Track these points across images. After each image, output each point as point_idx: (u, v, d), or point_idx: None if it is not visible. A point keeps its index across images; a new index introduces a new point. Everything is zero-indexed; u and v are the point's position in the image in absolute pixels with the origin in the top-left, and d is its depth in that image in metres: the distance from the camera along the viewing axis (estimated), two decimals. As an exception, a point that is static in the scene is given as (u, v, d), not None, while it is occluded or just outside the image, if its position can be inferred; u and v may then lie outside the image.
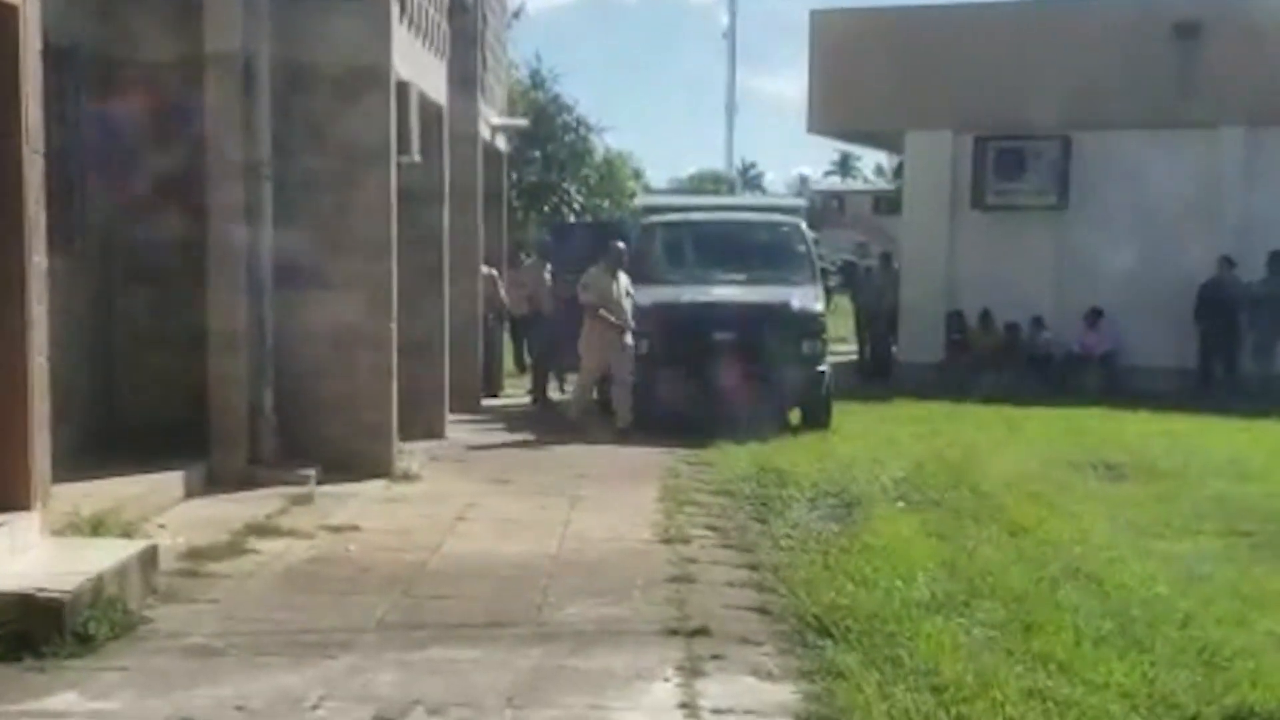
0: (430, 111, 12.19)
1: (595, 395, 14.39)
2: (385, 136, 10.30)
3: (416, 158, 11.08)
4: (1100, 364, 18.93)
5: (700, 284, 14.48)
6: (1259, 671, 5.55)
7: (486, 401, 15.99)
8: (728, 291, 14.17)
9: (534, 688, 5.37)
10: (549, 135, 33.55)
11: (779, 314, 13.81)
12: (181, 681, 5.32)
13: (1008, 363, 19.06)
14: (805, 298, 14.15)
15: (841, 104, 20.82)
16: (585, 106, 38.06)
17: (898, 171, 35.95)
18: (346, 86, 10.14)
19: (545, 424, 14.54)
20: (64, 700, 5.06)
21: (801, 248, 15.29)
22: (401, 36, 10.78)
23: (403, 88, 10.61)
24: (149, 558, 6.52)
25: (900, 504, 9.71)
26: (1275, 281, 18.22)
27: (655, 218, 16.60)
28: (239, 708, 5.02)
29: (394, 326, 10.51)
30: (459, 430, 13.39)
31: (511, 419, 15.11)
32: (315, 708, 5.06)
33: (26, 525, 6.25)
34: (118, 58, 9.85)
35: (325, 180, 10.17)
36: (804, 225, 16.00)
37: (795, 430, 13.63)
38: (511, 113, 20.78)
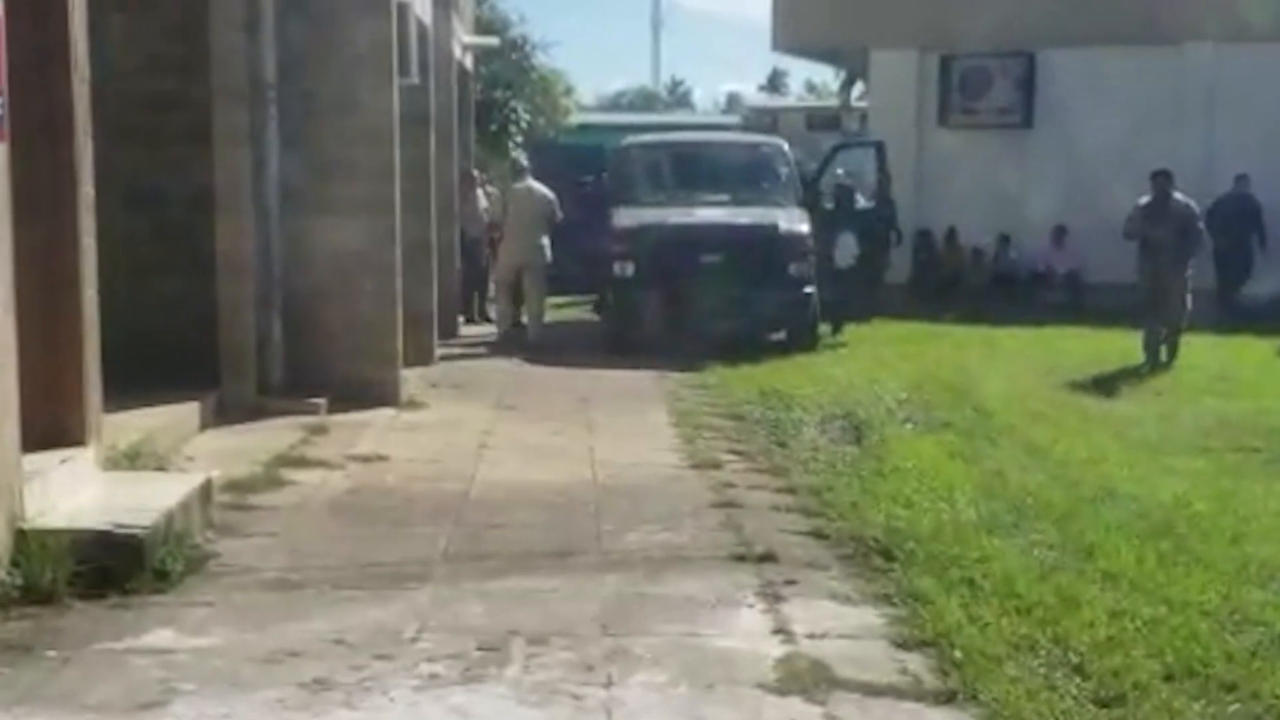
0: (420, 32, 12.01)
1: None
2: (388, 58, 10.15)
3: (416, 79, 10.95)
4: (1065, 281, 19.13)
5: (684, 206, 14.45)
6: (1329, 588, 5.69)
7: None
8: (713, 214, 14.15)
9: (623, 616, 5.38)
10: (494, 52, 33.08)
11: (767, 236, 13.82)
12: (272, 616, 5.29)
13: (975, 281, 19.23)
14: (791, 220, 14.15)
15: (806, 22, 20.75)
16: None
17: (843, 87, 35.80)
18: (349, 6, 9.95)
19: (527, 348, 14.52)
20: (162, 637, 5.01)
21: (785, 169, 15.28)
22: (398, -46, 10.58)
23: (403, 8, 10.45)
24: (206, 492, 6.46)
25: (908, 425, 9.80)
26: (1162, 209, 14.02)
27: (633, 138, 16.47)
28: (339, 641, 4.99)
29: (398, 252, 10.41)
30: (446, 357, 13.34)
31: (491, 344, 15.08)
32: (415, 640, 5.04)
33: (85, 461, 6.17)
34: (117, -22, 9.59)
35: (328, 104, 10.01)
36: (786, 146, 15.95)
37: (784, 351, 13.69)
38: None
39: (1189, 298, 13.69)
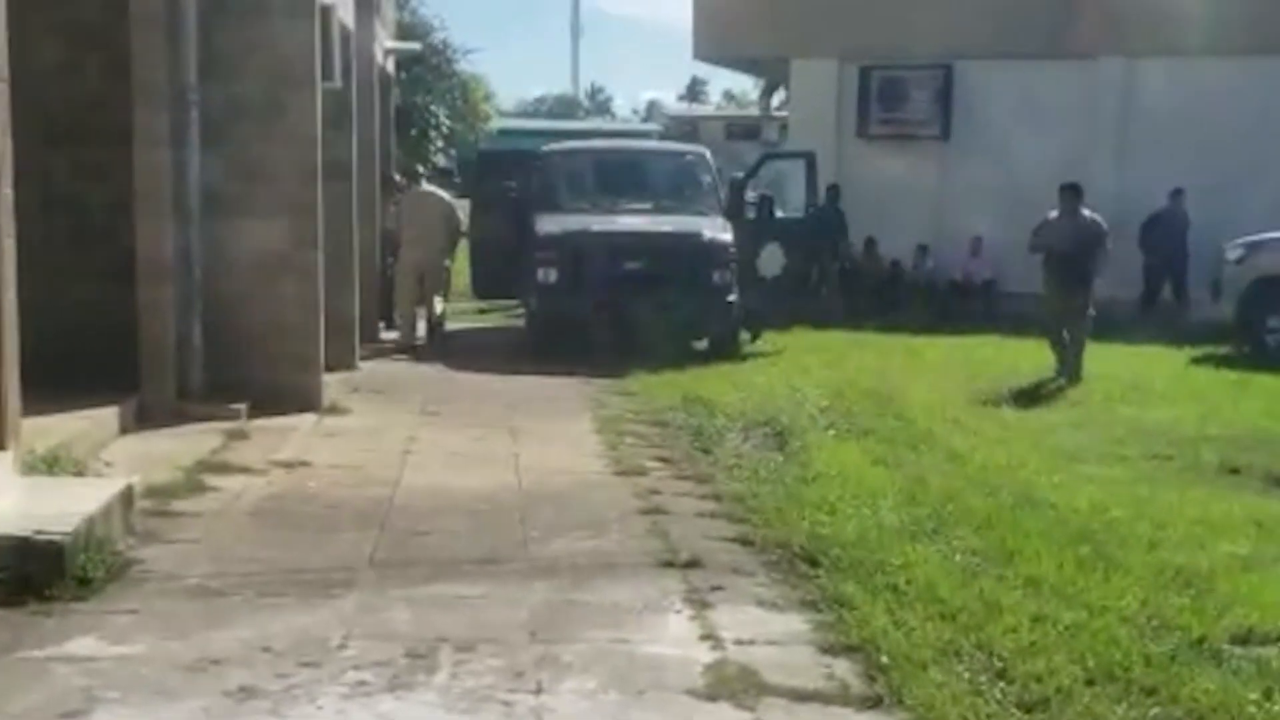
0: (342, 35, 11.95)
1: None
2: (310, 61, 10.06)
3: (339, 83, 10.88)
4: (982, 291, 19.38)
5: (607, 213, 14.48)
6: (1242, 593, 5.80)
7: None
8: (637, 221, 14.20)
9: (551, 623, 5.38)
10: (415, 57, 32.92)
11: (690, 244, 13.89)
12: (196, 624, 5.23)
13: (893, 291, 19.42)
14: (715, 228, 14.23)
15: (727, 31, 20.90)
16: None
17: (763, 95, 35.99)
18: (272, 9, 9.87)
19: (448, 354, 14.46)
20: (84, 645, 4.94)
21: (707, 178, 15.38)
22: (322, -42, 10.52)
23: (326, 11, 10.39)
24: (127, 498, 6.37)
25: (830, 432, 9.87)
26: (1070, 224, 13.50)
27: (557, 145, 16.47)
28: (265, 649, 4.95)
29: (320, 256, 10.32)
30: (366, 361, 13.25)
31: (414, 348, 14.99)
32: (341, 647, 5.01)
33: (3, 466, 6.06)
34: (33, -24, 9.44)
35: (250, 106, 9.92)
36: (709, 155, 16.04)
37: (707, 359, 13.75)
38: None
39: (1091, 312, 13.27)
